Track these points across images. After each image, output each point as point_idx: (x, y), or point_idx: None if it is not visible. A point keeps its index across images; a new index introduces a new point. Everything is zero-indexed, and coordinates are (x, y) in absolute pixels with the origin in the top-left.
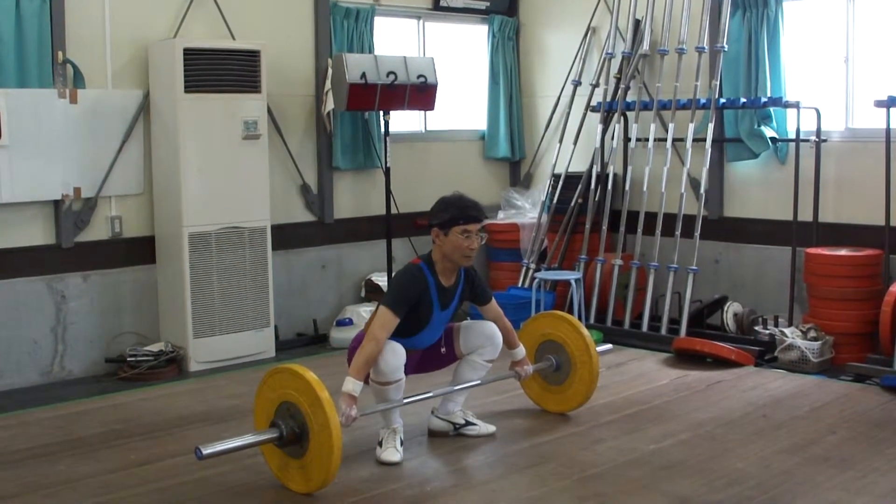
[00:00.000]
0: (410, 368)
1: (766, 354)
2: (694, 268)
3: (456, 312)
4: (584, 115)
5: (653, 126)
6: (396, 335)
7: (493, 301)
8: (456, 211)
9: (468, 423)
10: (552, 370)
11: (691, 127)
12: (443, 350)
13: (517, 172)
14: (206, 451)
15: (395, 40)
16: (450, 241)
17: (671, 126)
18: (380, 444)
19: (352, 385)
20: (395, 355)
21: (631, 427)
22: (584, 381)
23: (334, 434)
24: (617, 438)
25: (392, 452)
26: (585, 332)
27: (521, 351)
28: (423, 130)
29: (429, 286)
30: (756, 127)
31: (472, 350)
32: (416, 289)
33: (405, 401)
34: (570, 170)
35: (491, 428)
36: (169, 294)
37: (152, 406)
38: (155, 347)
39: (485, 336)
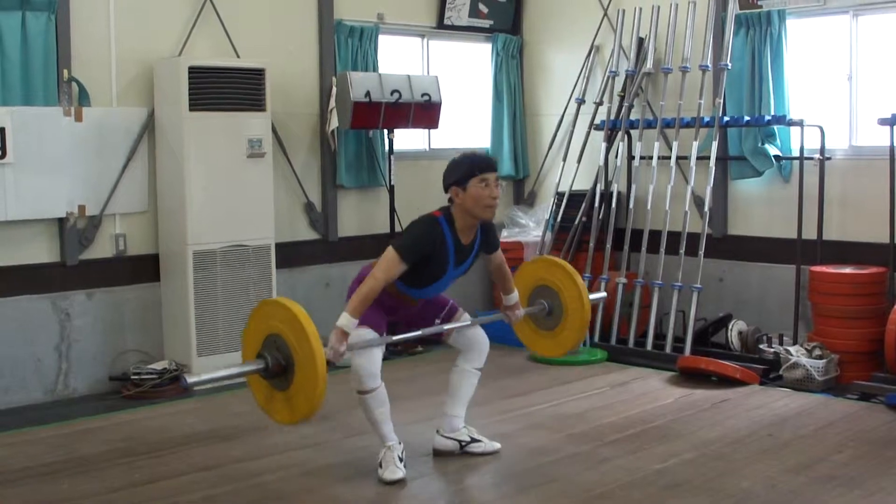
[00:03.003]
0: (403, 319)
1: (771, 373)
2: (698, 286)
3: (470, 268)
4: (588, 133)
5: (656, 144)
6: (404, 282)
7: (500, 250)
8: (470, 165)
9: (473, 441)
10: (544, 315)
11: (695, 145)
12: (437, 321)
13: (521, 191)
14: (191, 380)
15: (400, 59)
16: (469, 194)
17: (675, 144)
18: (380, 464)
19: (345, 321)
20: (371, 361)
21: (636, 446)
22: (575, 329)
23: (319, 367)
24: (622, 458)
25: (393, 470)
26: (580, 279)
27: (514, 297)
28: (428, 149)
29: (446, 242)
30: (760, 145)
31: (460, 349)
32: (431, 243)
33: (391, 338)
34: (573, 188)
35: (496, 445)
36: (173, 312)
37: (156, 424)
38: (159, 365)
39: (475, 341)
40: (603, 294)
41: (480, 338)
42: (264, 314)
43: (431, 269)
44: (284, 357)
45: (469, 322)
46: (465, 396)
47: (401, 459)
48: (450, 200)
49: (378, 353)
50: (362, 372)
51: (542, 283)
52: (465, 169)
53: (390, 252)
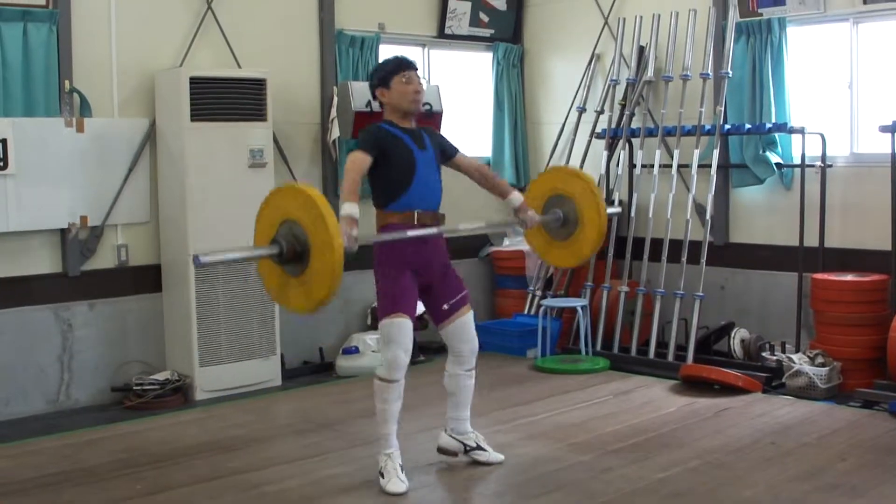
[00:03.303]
0: (431, 277)
1: (774, 381)
2: (700, 294)
3: (439, 161)
4: (589, 141)
5: (658, 152)
6: (393, 196)
7: (461, 153)
8: (391, 65)
9: (478, 448)
10: (558, 225)
11: (696, 153)
12: (445, 307)
13: None
14: (205, 259)
15: None
16: (394, 91)
17: (676, 152)
18: (381, 474)
19: (349, 208)
20: (405, 352)
21: (639, 455)
22: (590, 241)
23: (336, 249)
24: (625, 467)
25: (397, 483)
26: (597, 188)
27: (516, 196)
28: None
29: (392, 132)
30: (761, 153)
31: (450, 345)
32: (379, 134)
33: (410, 233)
34: None
35: (500, 457)
36: (175, 322)
37: (158, 435)
38: (161, 376)
39: (465, 339)
40: (618, 209)
41: (471, 338)
42: (277, 202)
43: (401, 160)
44: (300, 241)
45: (462, 321)
46: (464, 399)
47: (402, 468)
48: (380, 105)
49: (411, 345)
50: (396, 362)
51: (557, 193)
52: (388, 68)
53: (351, 154)
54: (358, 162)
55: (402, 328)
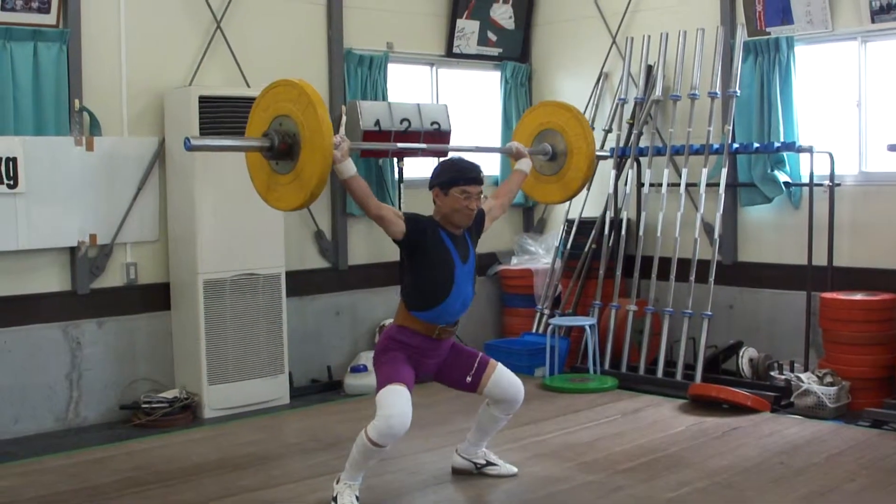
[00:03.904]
0: (434, 370)
1: (783, 400)
2: (708, 313)
3: (477, 267)
4: (598, 160)
5: (666, 171)
6: (424, 306)
7: (485, 205)
8: (455, 173)
9: (489, 464)
10: (546, 159)
11: (704, 172)
12: (468, 380)
13: (531, 218)
14: (195, 142)
15: (409, 87)
16: (449, 201)
17: (684, 171)
18: (334, 499)
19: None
20: (402, 424)
21: (648, 475)
22: (580, 169)
23: (326, 136)
24: (634, 487)
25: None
26: (583, 118)
27: (525, 162)
28: None
29: (438, 232)
30: (769, 171)
31: (495, 399)
32: (424, 223)
33: (399, 145)
34: (583, 215)
35: (513, 469)
36: (183, 340)
37: (167, 453)
38: (169, 394)
39: (509, 392)
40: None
41: (515, 389)
42: (269, 99)
43: (440, 266)
44: (290, 135)
45: (502, 370)
46: (488, 433)
47: (357, 499)
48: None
49: (408, 415)
50: (390, 431)
51: (545, 127)
52: (450, 176)
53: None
54: (386, 211)
55: (400, 395)
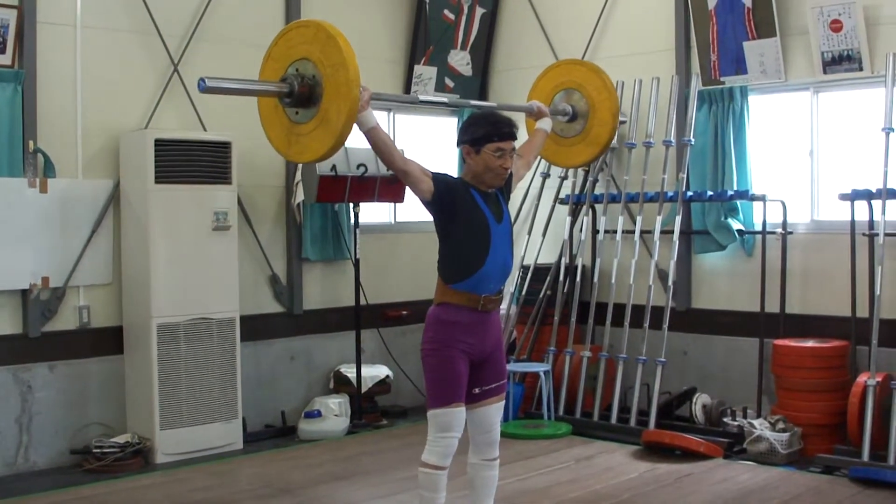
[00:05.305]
0: (478, 356)
1: (735, 446)
2: (662, 359)
3: (512, 232)
4: (553, 206)
5: (621, 218)
6: (462, 275)
7: (518, 153)
8: (490, 127)
9: None
10: (567, 119)
11: (659, 219)
12: (476, 391)
13: None
14: (210, 83)
15: None
16: (482, 159)
17: (639, 218)
18: None
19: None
20: (455, 441)
21: None
22: (606, 123)
23: (351, 69)
24: None
25: None
26: (601, 70)
27: (546, 121)
28: (393, 222)
29: (469, 191)
30: (723, 219)
31: (470, 433)
32: (454, 182)
33: (423, 98)
34: (538, 261)
35: None
36: (136, 385)
37: (118, 499)
38: (121, 439)
39: (487, 424)
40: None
41: (492, 428)
42: (284, 45)
43: (474, 227)
44: (310, 77)
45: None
46: (484, 493)
47: None
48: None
49: (460, 431)
50: (450, 449)
51: (562, 88)
52: (485, 132)
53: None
54: (411, 163)
55: (459, 418)
